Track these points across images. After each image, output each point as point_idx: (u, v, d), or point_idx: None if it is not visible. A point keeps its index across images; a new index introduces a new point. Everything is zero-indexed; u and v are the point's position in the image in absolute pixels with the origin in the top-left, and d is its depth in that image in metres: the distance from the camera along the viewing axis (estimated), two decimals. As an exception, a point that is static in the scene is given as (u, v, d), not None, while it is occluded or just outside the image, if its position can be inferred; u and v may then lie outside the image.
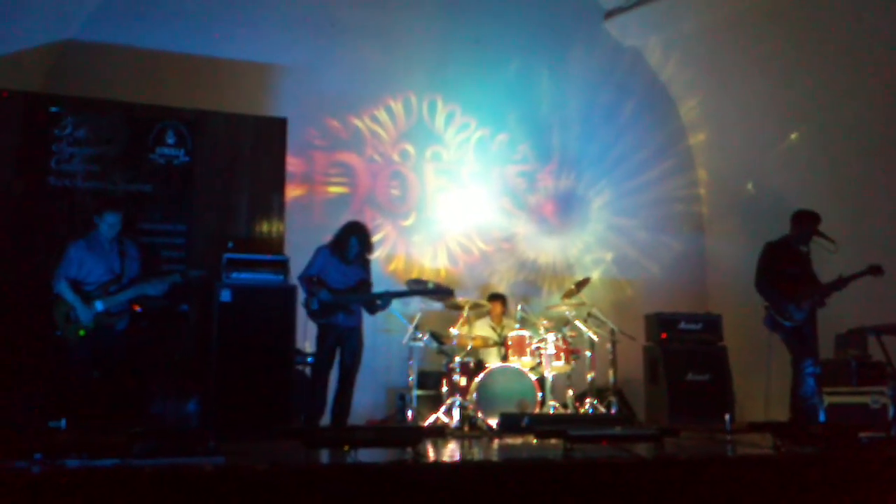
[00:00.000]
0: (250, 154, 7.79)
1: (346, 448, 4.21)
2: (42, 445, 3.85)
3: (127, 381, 6.10)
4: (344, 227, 6.70)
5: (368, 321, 8.06)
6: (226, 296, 6.76)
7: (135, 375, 6.23)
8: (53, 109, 7.19)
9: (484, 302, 8.38)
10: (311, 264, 6.60)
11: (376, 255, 8.53)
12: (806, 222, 6.62)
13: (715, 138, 9.83)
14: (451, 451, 4.97)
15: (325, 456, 4.26)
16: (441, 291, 7.27)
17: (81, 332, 5.86)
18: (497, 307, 8.40)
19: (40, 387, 6.37)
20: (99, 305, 5.91)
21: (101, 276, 5.99)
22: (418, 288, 7.46)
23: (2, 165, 7.06)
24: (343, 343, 6.54)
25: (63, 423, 5.45)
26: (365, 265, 6.72)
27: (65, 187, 7.13)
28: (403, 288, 7.54)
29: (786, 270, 6.55)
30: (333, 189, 8.84)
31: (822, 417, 6.33)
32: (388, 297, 6.66)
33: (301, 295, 6.66)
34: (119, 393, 5.94)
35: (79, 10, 7.97)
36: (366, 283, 6.68)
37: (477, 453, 4.93)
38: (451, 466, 4.11)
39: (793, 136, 8.65)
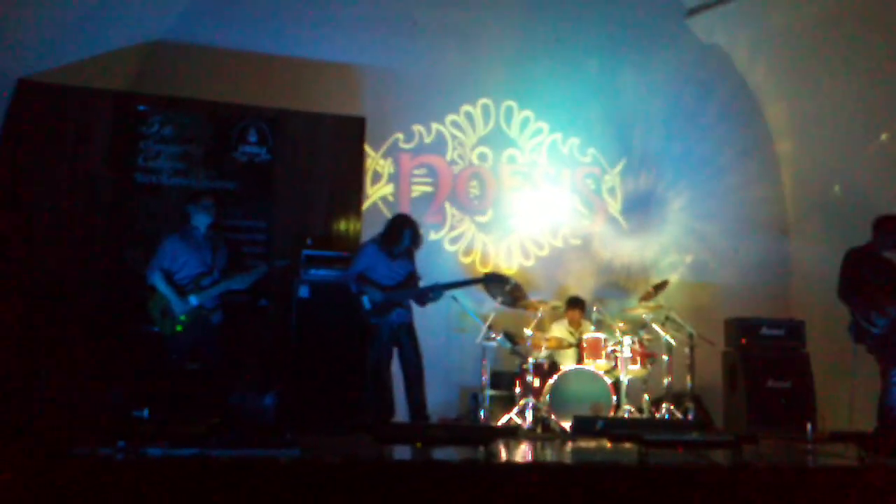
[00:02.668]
0: (329, 152, 7.95)
1: (419, 445, 4.23)
2: (125, 433, 3.97)
3: (220, 374, 6.23)
4: (395, 221, 6.62)
5: (442, 320, 8.21)
6: (304, 292, 6.89)
7: (227, 369, 6.36)
8: (141, 108, 7.43)
9: (558, 303, 8.33)
10: (357, 262, 6.51)
11: (455, 248, 8.81)
12: (889, 228, 6.37)
13: (801, 139, 9.55)
14: (524, 452, 4.95)
15: (397, 452, 4.29)
16: (494, 279, 7.17)
17: (178, 328, 6.01)
18: (575, 313, 8.29)
19: (126, 377, 6.57)
20: (194, 300, 6.05)
21: (194, 268, 6.13)
22: (474, 277, 7.43)
23: (92, 162, 7.34)
24: (399, 340, 6.44)
25: (146, 412, 5.61)
26: (411, 258, 6.58)
27: (151, 184, 7.37)
28: (458, 279, 7.42)
29: (868, 278, 6.31)
30: (418, 188, 9.09)
31: (909, 429, 6.09)
32: (439, 289, 6.53)
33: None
34: (199, 385, 6.08)
35: (166, 13, 8.19)
36: (413, 275, 6.57)
37: (549, 455, 4.91)
38: (523, 467, 4.10)
39: (883, 136, 8.35)
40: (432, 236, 8.91)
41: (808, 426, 6.28)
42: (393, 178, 8.98)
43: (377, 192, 8.86)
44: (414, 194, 9.04)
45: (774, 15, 8.94)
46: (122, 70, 8.03)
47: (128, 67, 8.09)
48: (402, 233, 6.48)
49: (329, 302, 6.81)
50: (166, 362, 6.07)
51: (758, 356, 7.77)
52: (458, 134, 9.23)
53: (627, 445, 5.02)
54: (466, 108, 9.28)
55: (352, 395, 6.54)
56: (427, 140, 9.12)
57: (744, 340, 7.83)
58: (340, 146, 8.02)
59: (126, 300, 6.85)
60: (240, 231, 7.42)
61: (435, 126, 9.16)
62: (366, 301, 6.37)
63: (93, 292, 7.02)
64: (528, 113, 9.43)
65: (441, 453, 4.19)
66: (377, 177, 8.89)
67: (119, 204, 7.29)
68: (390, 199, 8.92)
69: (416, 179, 9.07)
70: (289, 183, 7.76)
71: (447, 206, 9.13)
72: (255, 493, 3.57)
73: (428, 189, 9.11)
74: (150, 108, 7.44)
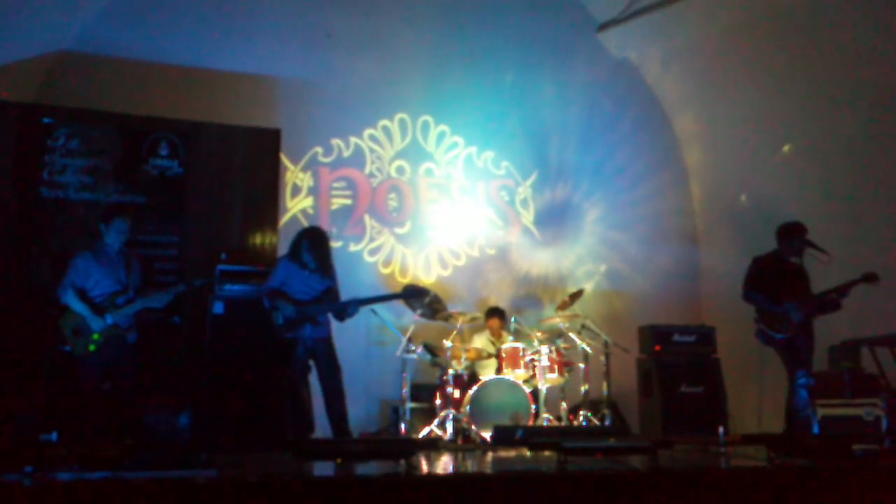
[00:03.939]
0: (243, 165, 7.84)
1: (339, 460, 4.18)
2: (33, 458, 3.83)
3: (134, 394, 6.05)
4: (297, 233, 6.61)
5: (361, 333, 8.19)
6: (218, 308, 6.77)
7: (140, 388, 6.17)
8: (46, 120, 7.21)
9: (478, 314, 8.38)
10: (272, 277, 6.40)
11: (374, 259, 8.83)
12: (791, 234, 6.63)
13: (708, 151, 9.86)
14: (445, 464, 4.95)
15: (317, 468, 4.24)
16: (412, 293, 7.16)
17: (91, 347, 5.81)
18: (495, 322, 8.38)
19: (33, 399, 6.34)
20: (108, 319, 5.87)
21: (107, 287, 5.95)
22: (393, 293, 7.39)
23: (-6, 176, 7.07)
24: (315, 355, 6.35)
25: (54, 435, 5.42)
26: (329, 272, 6.47)
27: (58, 198, 7.15)
28: (380, 293, 7.36)
29: (773, 283, 6.55)
30: (338, 201, 9.07)
31: (815, 429, 6.33)
32: (356, 304, 6.42)
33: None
34: (111, 406, 5.90)
35: (73, 22, 7.97)
36: (332, 291, 6.47)
37: (470, 466, 4.91)
38: (444, 479, 4.09)
39: (785, 147, 8.67)
40: (352, 248, 8.93)
41: (721, 429, 6.44)
42: (312, 191, 8.95)
43: (296, 206, 8.80)
44: (333, 207, 9.02)
45: (681, 30, 9.21)
46: (26, 81, 7.76)
47: (33, 78, 7.82)
48: (300, 244, 6.42)
49: (244, 318, 6.69)
50: (79, 383, 5.86)
51: (671, 362, 7.96)
52: (376, 147, 9.25)
53: (547, 453, 5.07)
54: (384, 121, 9.32)
55: (269, 412, 6.43)
56: (346, 153, 9.12)
57: (657, 347, 8.01)
58: (255, 159, 7.92)
59: (33, 318, 6.60)
60: (151, 246, 7.25)
61: (353, 139, 9.17)
62: (278, 316, 6.27)
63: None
64: (444, 127, 9.54)
65: (362, 468, 4.15)
66: (296, 190, 8.84)
67: (24, 219, 7.03)
68: (310, 212, 8.89)
69: (335, 192, 9.06)
70: (202, 196, 7.62)
71: (366, 218, 9.14)
72: (171, 515, 3.48)
73: (347, 202, 9.10)
74: (56, 121, 7.22)
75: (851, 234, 7.57)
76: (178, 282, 6.41)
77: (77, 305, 5.85)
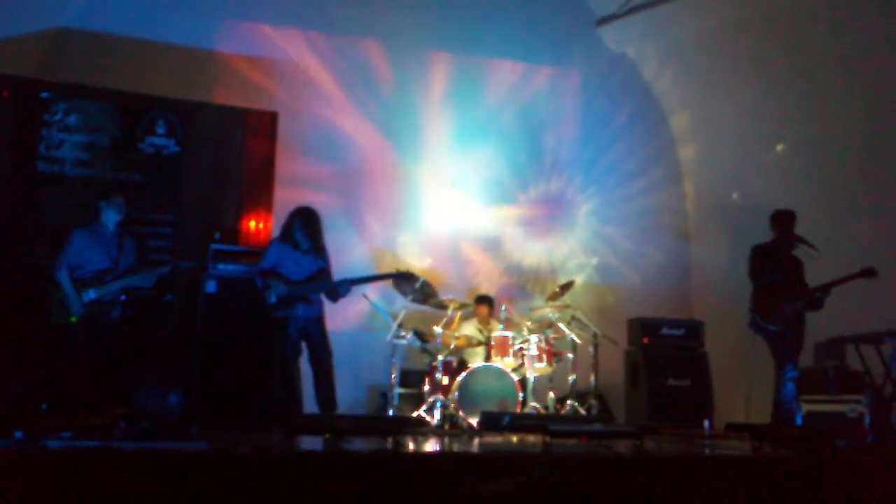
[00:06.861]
0: (240, 146, 7.83)
1: (328, 436, 4.22)
2: (23, 425, 3.86)
3: (118, 370, 6.10)
4: (289, 213, 6.61)
5: (353, 318, 8.20)
6: (211, 287, 6.79)
7: (125, 365, 6.23)
8: (44, 95, 7.20)
9: (469, 302, 8.41)
10: (265, 258, 6.46)
11: (365, 246, 8.85)
12: (783, 220, 6.70)
13: (702, 148, 9.88)
14: (432, 444, 4.99)
15: (305, 442, 4.27)
16: (404, 277, 7.17)
17: (73, 319, 5.88)
18: (483, 309, 8.42)
19: (25, 370, 6.36)
20: (92, 294, 5.92)
21: (99, 264, 6.04)
22: (384, 273, 7.40)
23: (-9, 149, 7.07)
24: (307, 335, 6.40)
25: (44, 407, 5.46)
26: (321, 254, 6.53)
27: (54, 173, 7.15)
28: (368, 274, 7.38)
29: (772, 272, 6.60)
30: (330, 186, 8.93)
31: (798, 423, 6.39)
32: (348, 283, 6.47)
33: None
34: (103, 382, 5.94)
35: (73, -2, 7.97)
36: (324, 271, 6.52)
37: (457, 447, 4.95)
38: (431, 456, 4.13)
39: (778, 147, 8.73)
40: (343, 235, 8.86)
41: (706, 422, 6.50)
42: (306, 174, 8.85)
43: (289, 188, 8.73)
44: (326, 192, 8.94)
45: (678, 28, 9.23)
46: (25, 56, 7.75)
47: (32, 53, 7.82)
48: (292, 224, 6.46)
49: (237, 297, 6.72)
50: (64, 353, 5.91)
51: (659, 355, 8.00)
52: (371, 133, 9.19)
53: (533, 439, 5.12)
54: (382, 103, 9.20)
55: (259, 390, 6.47)
56: (339, 138, 9.05)
57: (646, 340, 8.05)
58: (252, 140, 7.91)
59: (28, 292, 6.61)
60: (145, 224, 7.26)
61: (348, 124, 9.09)
62: (271, 295, 6.32)
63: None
64: (439, 115, 9.43)
65: (350, 444, 4.19)
66: (290, 173, 8.76)
67: (20, 193, 7.04)
68: (303, 195, 8.81)
69: (327, 177, 8.97)
70: (197, 176, 7.62)
71: (358, 204, 9.08)
72: (161, 485, 3.50)
73: (340, 187, 9.03)
74: (54, 96, 7.22)
75: (841, 233, 7.62)
76: (164, 262, 6.46)
77: (66, 285, 5.96)
